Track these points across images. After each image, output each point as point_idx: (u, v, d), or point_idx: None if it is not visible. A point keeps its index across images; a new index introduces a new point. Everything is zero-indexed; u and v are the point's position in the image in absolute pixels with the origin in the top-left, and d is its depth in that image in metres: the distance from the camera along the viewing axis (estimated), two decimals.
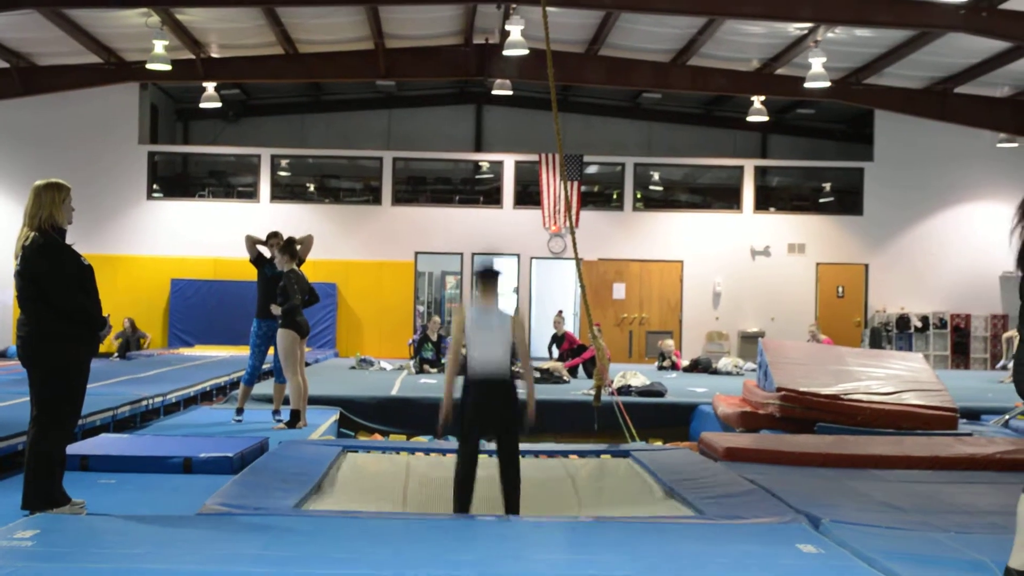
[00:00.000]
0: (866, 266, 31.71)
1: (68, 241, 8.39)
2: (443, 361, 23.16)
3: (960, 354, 31.52)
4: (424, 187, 32.99)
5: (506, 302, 31.98)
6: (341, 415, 16.49)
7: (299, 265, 14.38)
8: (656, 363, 26.10)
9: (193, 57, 27.42)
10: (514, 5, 23.24)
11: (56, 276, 8.18)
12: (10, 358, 25.89)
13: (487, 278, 9.17)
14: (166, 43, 24.84)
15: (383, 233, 31.28)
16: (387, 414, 17.13)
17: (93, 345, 8.43)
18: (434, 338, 23.80)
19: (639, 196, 32.19)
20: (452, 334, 9.23)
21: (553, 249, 31.06)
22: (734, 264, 31.53)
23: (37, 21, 24.23)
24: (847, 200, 32.51)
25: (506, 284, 31.97)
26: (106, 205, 30.10)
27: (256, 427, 13.94)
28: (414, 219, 31.42)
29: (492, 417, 8.72)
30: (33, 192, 8.34)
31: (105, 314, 8.54)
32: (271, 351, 14.64)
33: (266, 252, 14.86)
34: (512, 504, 8.79)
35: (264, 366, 15.12)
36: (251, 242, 14.95)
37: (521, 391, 9.01)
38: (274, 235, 14.90)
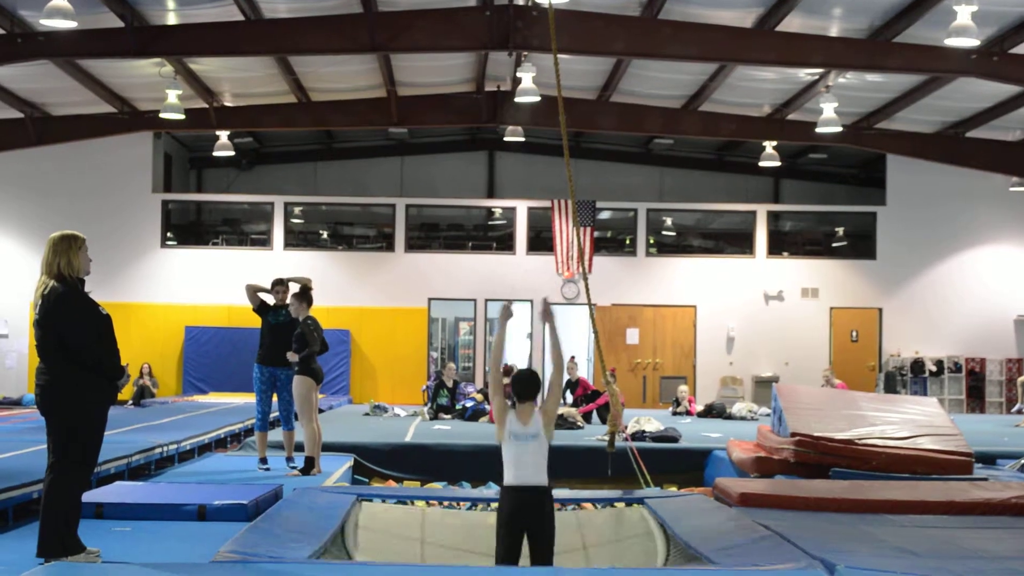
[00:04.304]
0: (880, 310, 31.67)
1: (85, 290, 8.43)
2: (458, 407, 23.19)
3: (975, 398, 31.41)
4: (437, 234, 33.06)
5: (519, 347, 32.05)
6: (355, 462, 16.46)
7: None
8: (670, 408, 26.03)
9: (206, 106, 27.56)
10: (525, 53, 23.33)
11: (75, 325, 8.22)
12: (26, 406, 25.94)
13: (525, 387, 8.65)
14: (179, 92, 24.97)
15: (396, 280, 31.33)
16: (401, 460, 17.08)
17: (111, 394, 8.45)
18: (449, 384, 23.78)
19: (652, 241, 32.23)
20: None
21: (566, 295, 31.04)
22: (747, 309, 31.51)
23: (51, 71, 24.38)
24: (860, 244, 32.51)
25: (519, 330, 32.00)
26: (120, 253, 30.18)
27: (270, 474, 13.93)
28: (427, 266, 31.47)
29: (527, 519, 8.50)
30: (49, 243, 8.38)
31: (123, 363, 8.57)
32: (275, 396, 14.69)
33: (269, 299, 14.91)
34: None
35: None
36: (252, 291, 14.98)
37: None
38: (279, 282, 14.95)
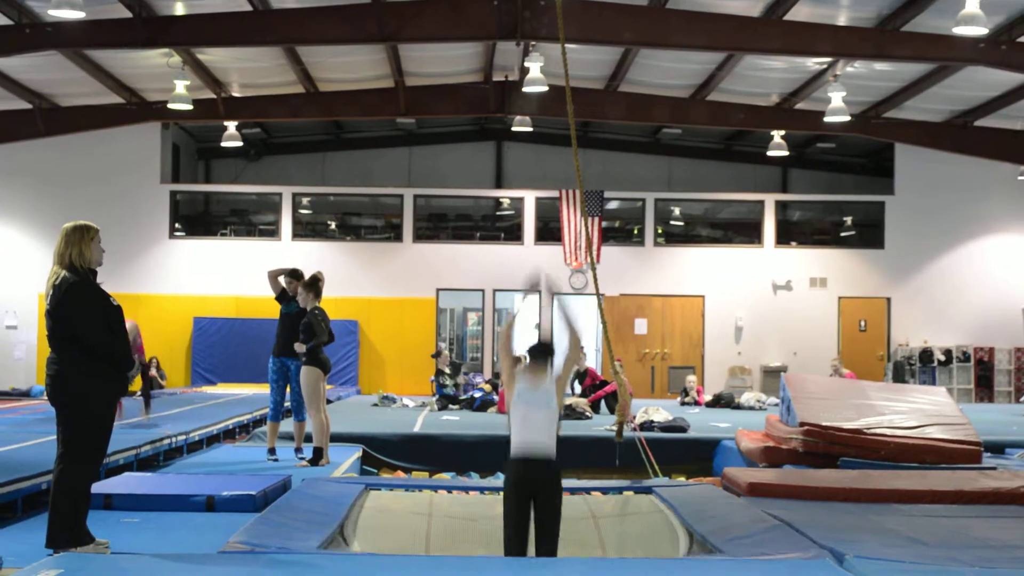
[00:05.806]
0: (888, 299, 31.63)
1: (97, 281, 8.43)
2: (463, 397, 23.20)
3: (984, 387, 31.36)
4: (445, 224, 33.06)
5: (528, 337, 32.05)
6: (364, 452, 16.47)
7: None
8: (679, 398, 26.03)
9: (214, 96, 27.54)
10: (533, 42, 23.30)
11: (85, 316, 8.22)
12: (34, 397, 25.96)
13: (539, 355, 8.62)
14: (187, 83, 24.96)
15: (404, 270, 31.32)
16: (410, 451, 17.09)
17: (121, 385, 8.46)
18: (446, 371, 23.79)
19: (660, 231, 32.19)
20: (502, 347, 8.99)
21: (574, 285, 31.02)
22: (756, 298, 31.48)
23: (59, 62, 24.37)
24: (868, 234, 32.47)
25: (528, 320, 31.96)
26: (129, 244, 30.14)
27: (279, 465, 13.94)
28: (435, 256, 31.46)
29: (534, 489, 8.19)
30: (62, 233, 8.39)
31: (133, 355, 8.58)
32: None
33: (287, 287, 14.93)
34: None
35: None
36: (273, 276, 15.00)
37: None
38: (293, 272, 14.94)
